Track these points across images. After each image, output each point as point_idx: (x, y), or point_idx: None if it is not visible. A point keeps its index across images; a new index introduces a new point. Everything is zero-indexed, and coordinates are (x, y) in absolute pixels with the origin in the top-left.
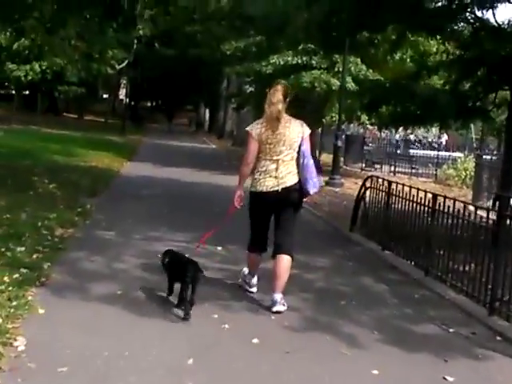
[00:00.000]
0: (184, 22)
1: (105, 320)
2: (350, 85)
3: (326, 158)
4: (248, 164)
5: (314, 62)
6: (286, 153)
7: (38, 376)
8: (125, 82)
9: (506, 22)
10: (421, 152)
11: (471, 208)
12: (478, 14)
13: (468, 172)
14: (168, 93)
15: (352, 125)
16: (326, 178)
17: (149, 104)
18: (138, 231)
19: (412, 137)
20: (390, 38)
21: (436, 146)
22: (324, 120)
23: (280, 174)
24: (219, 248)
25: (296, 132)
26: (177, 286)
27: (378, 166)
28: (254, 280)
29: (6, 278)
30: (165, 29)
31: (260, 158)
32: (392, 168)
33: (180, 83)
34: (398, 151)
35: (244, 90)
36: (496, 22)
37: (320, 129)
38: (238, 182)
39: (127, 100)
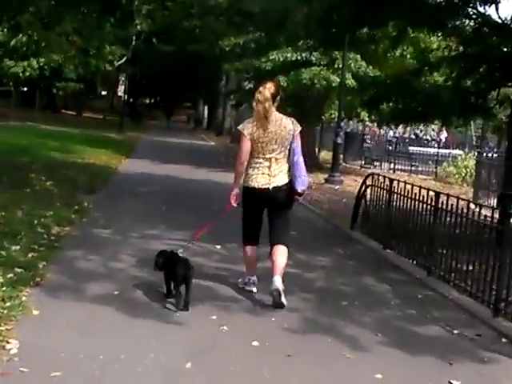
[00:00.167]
0: (182, 17)
1: (100, 321)
2: (350, 81)
3: (326, 155)
4: (242, 163)
5: (313, 58)
6: (278, 151)
7: (30, 381)
8: (123, 78)
9: (509, 18)
10: (420, 149)
11: (474, 206)
12: (481, 9)
13: (468, 169)
14: (166, 90)
15: (351, 122)
16: (326, 176)
17: (147, 101)
18: (136, 229)
19: (406, 134)
20: (390, 34)
21: (435, 143)
22: (323, 117)
23: (273, 172)
24: (218, 247)
25: (287, 130)
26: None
27: (377, 164)
28: (254, 279)
29: None
30: (163, 24)
31: (253, 156)
32: (391, 165)
33: (179, 80)
34: (390, 148)
35: (243, 86)
36: (499, 17)
37: (319, 126)
38: (233, 181)
39: (126, 97)
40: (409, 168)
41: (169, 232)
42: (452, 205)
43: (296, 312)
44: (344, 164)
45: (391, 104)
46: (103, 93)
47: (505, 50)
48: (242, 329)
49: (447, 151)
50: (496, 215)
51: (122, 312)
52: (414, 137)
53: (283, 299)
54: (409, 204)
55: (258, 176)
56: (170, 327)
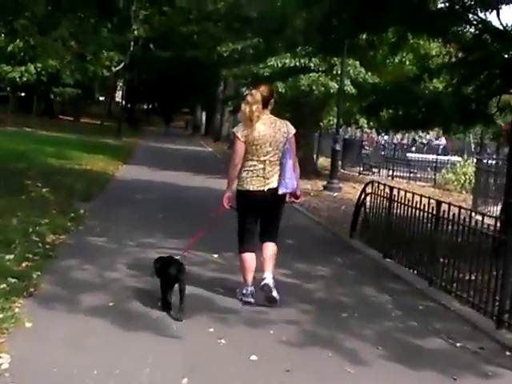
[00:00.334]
0: (180, 22)
1: (95, 334)
2: (349, 88)
3: (324, 161)
4: (235, 165)
5: (312, 64)
6: (272, 153)
7: None
8: (121, 84)
9: (510, 24)
10: (419, 156)
11: (476, 215)
12: (482, 15)
13: (467, 176)
14: (164, 95)
15: (349, 128)
16: (324, 183)
17: (145, 106)
18: (133, 238)
19: (405, 140)
20: (389, 40)
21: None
22: (321, 123)
23: (267, 175)
24: (215, 255)
25: (281, 132)
26: (174, 299)
27: (375, 170)
28: (251, 290)
29: None
30: (161, 30)
31: (247, 159)
32: (390, 172)
33: (176, 86)
34: (383, 153)
35: (241, 92)
36: (500, 23)
37: (318, 132)
38: (226, 184)
39: (123, 102)
40: (407, 175)
41: (165, 241)
42: (454, 214)
43: (295, 324)
44: (342, 170)
45: (391, 111)
46: (101, 98)
47: (506, 56)
48: (239, 342)
49: (446, 158)
50: (498, 224)
51: (117, 324)
52: (410, 143)
53: (275, 293)
54: (409, 212)
55: (252, 179)
56: (167, 340)
